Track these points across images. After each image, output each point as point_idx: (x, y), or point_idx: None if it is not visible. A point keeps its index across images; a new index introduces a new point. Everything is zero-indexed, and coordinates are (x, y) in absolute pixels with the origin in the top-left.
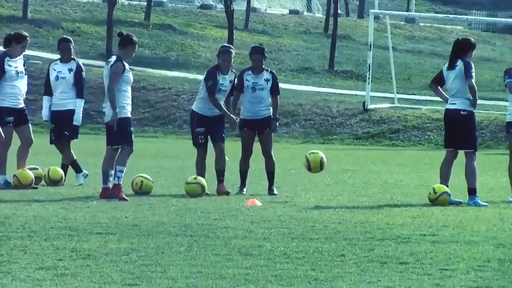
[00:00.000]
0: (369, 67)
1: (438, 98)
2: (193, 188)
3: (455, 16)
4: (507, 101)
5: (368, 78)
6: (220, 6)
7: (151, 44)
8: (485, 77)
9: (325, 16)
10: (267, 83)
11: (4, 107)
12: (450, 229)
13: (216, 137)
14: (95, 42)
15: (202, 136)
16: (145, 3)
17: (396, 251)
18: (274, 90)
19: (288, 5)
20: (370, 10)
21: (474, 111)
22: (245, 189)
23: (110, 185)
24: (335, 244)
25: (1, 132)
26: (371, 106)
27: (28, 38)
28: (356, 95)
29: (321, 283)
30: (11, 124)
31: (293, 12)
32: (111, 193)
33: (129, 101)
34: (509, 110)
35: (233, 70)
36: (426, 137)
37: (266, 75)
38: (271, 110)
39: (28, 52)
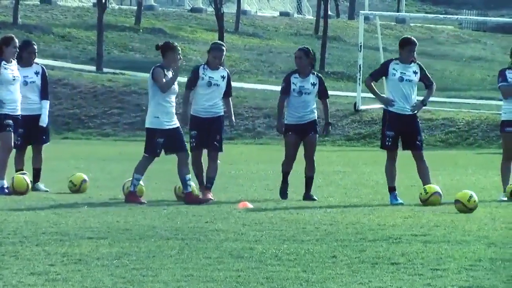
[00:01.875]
0: (360, 68)
1: (432, 98)
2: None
3: (445, 16)
4: (500, 100)
5: (359, 79)
6: (210, 9)
7: (142, 48)
8: (476, 76)
9: (315, 18)
10: (313, 87)
11: (2, 114)
12: (442, 229)
13: (211, 144)
14: (86, 47)
15: (194, 140)
16: (135, 8)
17: (388, 251)
18: (323, 94)
19: (278, 7)
20: (360, 11)
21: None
22: (313, 195)
23: (190, 189)
24: (327, 245)
25: (8, 138)
26: (362, 107)
27: (14, 37)
28: (347, 96)
29: (312, 284)
30: (10, 129)
31: (284, 14)
32: (194, 199)
33: (173, 110)
34: (504, 109)
35: (225, 68)
36: None
37: (312, 78)
38: (316, 114)
39: None
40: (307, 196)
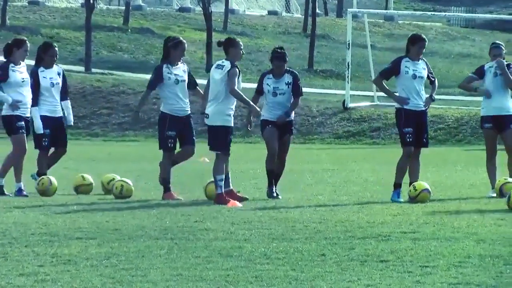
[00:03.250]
0: (348, 65)
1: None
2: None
3: (433, 13)
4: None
5: (348, 77)
6: (199, 8)
7: (130, 48)
8: (464, 73)
9: (303, 16)
10: (288, 87)
11: (13, 115)
12: (431, 226)
13: (187, 140)
14: (74, 47)
15: (172, 140)
16: (124, 8)
17: (377, 249)
18: (296, 92)
19: (266, 6)
20: (348, 9)
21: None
22: (274, 189)
23: (221, 190)
24: (316, 243)
25: (22, 141)
26: (351, 105)
27: (27, 41)
28: (336, 94)
29: (301, 283)
30: (23, 131)
31: (272, 13)
32: (222, 200)
33: (233, 107)
34: (482, 104)
35: (183, 63)
36: None
37: (287, 78)
38: (293, 114)
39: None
40: (269, 193)
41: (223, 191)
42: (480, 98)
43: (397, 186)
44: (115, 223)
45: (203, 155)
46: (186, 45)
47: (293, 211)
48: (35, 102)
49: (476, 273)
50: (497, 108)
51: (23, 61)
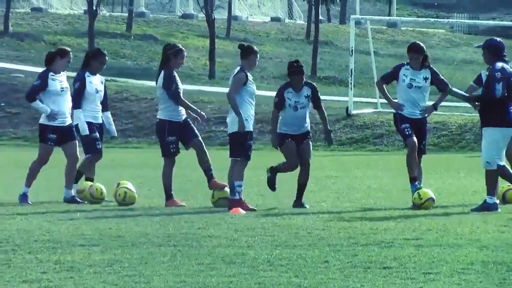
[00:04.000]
0: (351, 72)
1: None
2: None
3: (436, 19)
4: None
5: (351, 83)
6: (201, 15)
7: (133, 54)
8: (467, 79)
9: (306, 23)
10: (307, 100)
11: (49, 125)
12: (434, 232)
13: (190, 135)
14: (77, 54)
15: (174, 145)
16: (127, 14)
17: (380, 256)
18: (317, 104)
19: (269, 12)
20: (351, 16)
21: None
22: (304, 203)
23: (238, 197)
24: (319, 250)
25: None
26: (354, 112)
27: (70, 53)
28: (339, 100)
29: None
30: (51, 143)
31: (275, 19)
32: (235, 208)
33: (252, 112)
34: None
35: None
36: None
37: (306, 91)
38: (309, 123)
39: (10, 65)
40: (298, 203)
41: (241, 197)
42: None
43: (412, 179)
44: (118, 230)
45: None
46: (185, 53)
47: (296, 217)
48: (78, 105)
49: (479, 280)
50: None
51: (63, 71)
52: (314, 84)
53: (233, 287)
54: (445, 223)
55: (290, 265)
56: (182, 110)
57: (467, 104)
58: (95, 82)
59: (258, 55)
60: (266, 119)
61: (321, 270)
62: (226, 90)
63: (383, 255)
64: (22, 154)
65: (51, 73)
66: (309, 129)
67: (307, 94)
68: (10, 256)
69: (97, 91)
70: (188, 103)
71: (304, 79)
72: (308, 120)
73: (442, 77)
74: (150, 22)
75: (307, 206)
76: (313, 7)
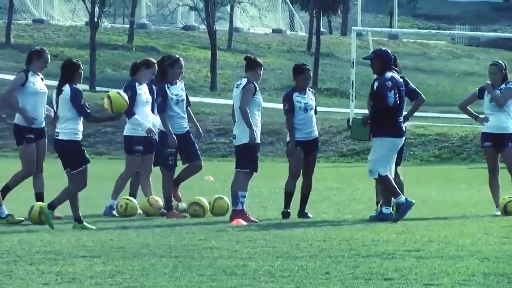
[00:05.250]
0: (353, 84)
1: (421, 114)
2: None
3: (437, 31)
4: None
5: (352, 95)
6: (203, 27)
7: None
8: (469, 91)
9: (308, 34)
10: (313, 102)
11: (134, 136)
12: (435, 244)
13: (193, 155)
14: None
15: (172, 157)
16: (128, 26)
17: (381, 267)
18: (315, 109)
19: (271, 24)
20: (353, 27)
21: None
22: (308, 213)
23: (241, 207)
24: (320, 262)
25: (134, 163)
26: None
27: (156, 64)
28: (340, 112)
29: None
30: (138, 154)
31: (276, 31)
32: (236, 220)
33: (259, 124)
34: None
35: (181, 80)
36: (411, 153)
37: (310, 94)
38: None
39: (11, 77)
40: (302, 214)
41: (244, 208)
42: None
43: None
44: (119, 241)
45: (207, 174)
46: (183, 62)
47: (297, 229)
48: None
49: None
50: (496, 126)
51: (147, 81)
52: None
53: None
54: (446, 234)
55: (292, 276)
56: (185, 123)
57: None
58: (176, 92)
59: (262, 68)
60: (267, 130)
61: (322, 282)
62: (228, 101)
63: (384, 266)
64: None
65: (137, 83)
66: (317, 135)
67: (312, 97)
68: (11, 267)
69: (178, 102)
70: (166, 125)
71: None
72: (315, 124)
73: (413, 88)
74: (152, 33)
75: (311, 216)
76: (314, 19)
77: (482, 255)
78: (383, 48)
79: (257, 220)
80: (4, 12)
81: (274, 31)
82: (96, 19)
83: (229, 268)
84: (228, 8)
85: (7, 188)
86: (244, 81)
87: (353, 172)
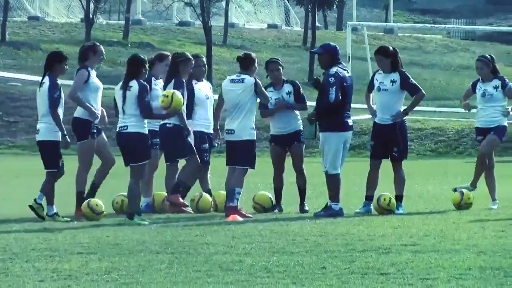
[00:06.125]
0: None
1: (418, 108)
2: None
3: (433, 25)
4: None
5: None
6: (198, 22)
7: None
8: (465, 85)
9: (303, 29)
10: (289, 96)
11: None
12: (431, 238)
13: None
14: (74, 62)
15: (208, 154)
16: (123, 22)
17: (377, 262)
18: (301, 101)
19: (266, 19)
20: (348, 22)
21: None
22: (277, 208)
23: (236, 203)
24: (316, 257)
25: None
26: (362, 118)
27: (169, 57)
28: None
29: None
30: (157, 147)
31: (272, 26)
32: (232, 215)
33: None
34: (477, 115)
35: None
36: (408, 147)
37: (287, 88)
38: (301, 122)
39: (7, 74)
40: (300, 208)
41: (238, 204)
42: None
43: (366, 198)
44: (115, 238)
45: None
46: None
47: (293, 224)
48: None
49: (477, 285)
50: (487, 121)
51: (162, 75)
52: (296, 81)
53: None
54: (442, 228)
55: (288, 271)
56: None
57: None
58: (204, 88)
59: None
60: (263, 125)
61: (319, 277)
62: None
63: (380, 261)
64: (20, 164)
65: (153, 78)
66: (299, 128)
67: (289, 91)
68: (7, 265)
69: (207, 97)
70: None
71: (285, 78)
72: (297, 118)
73: (412, 82)
74: (147, 29)
75: (307, 209)
76: (310, 14)
77: (478, 249)
78: (330, 43)
79: (251, 216)
80: (0, 10)
81: (269, 26)
82: (91, 16)
83: (225, 264)
84: (223, 3)
85: (79, 194)
86: (248, 78)
87: (349, 167)
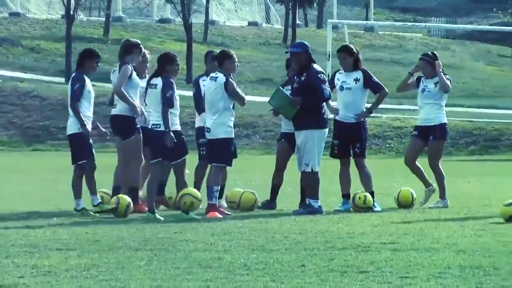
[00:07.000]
0: (329, 76)
1: (397, 106)
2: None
3: (413, 24)
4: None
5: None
6: (179, 19)
7: (110, 59)
8: None
9: (283, 27)
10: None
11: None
12: (411, 236)
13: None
14: (55, 58)
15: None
16: (104, 19)
17: (357, 260)
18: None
19: (247, 17)
20: (328, 20)
21: None
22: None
23: (215, 201)
24: (295, 254)
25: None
26: (330, 116)
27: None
28: None
29: None
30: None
31: (252, 24)
32: (212, 212)
33: (233, 118)
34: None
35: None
36: (387, 145)
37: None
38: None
39: None
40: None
41: (217, 202)
42: (461, 109)
43: (343, 196)
44: (95, 234)
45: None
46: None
47: (273, 222)
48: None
49: (456, 284)
50: (426, 119)
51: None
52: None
53: None
54: (421, 227)
55: (267, 269)
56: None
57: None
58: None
59: (234, 58)
60: (243, 122)
61: (298, 274)
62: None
63: (360, 259)
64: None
65: (203, 78)
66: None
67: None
68: None
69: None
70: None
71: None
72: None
73: (375, 80)
74: (128, 26)
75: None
76: (290, 12)
77: (457, 247)
78: (303, 41)
79: (230, 213)
80: None
81: (250, 23)
82: (72, 12)
83: (205, 261)
84: (204, 1)
85: (135, 189)
86: (221, 76)
87: (328, 164)
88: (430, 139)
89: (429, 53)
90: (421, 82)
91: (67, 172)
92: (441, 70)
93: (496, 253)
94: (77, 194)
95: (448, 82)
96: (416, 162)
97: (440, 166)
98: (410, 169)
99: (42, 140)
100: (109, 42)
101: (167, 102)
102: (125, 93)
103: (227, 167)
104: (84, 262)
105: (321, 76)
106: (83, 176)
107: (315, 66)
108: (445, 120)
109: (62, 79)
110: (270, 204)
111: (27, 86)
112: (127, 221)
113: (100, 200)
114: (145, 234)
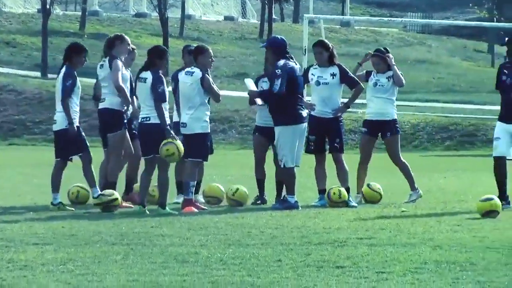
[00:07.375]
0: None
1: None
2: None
3: (389, 19)
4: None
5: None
6: (155, 14)
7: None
8: (421, 79)
9: (260, 22)
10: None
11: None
12: (387, 232)
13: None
14: (31, 53)
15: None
16: (80, 13)
17: (333, 255)
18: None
19: (223, 11)
20: (305, 15)
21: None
22: (261, 199)
23: (191, 196)
24: (272, 249)
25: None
26: (306, 111)
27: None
28: None
29: None
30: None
31: (228, 18)
32: (188, 207)
33: (209, 113)
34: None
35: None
36: None
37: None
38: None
39: None
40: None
41: (193, 197)
42: (437, 104)
43: (319, 192)
44: (71, 229)
45: None
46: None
47: (249, 216)
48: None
49: (433, 279)
50: (377, 113)
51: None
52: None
53: (186, 286)
54: (398, 222)
55: (243, 264)
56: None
57: (420, 104)
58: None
59: (209, 53)
60: (219, 117)
61: (274, 269)
62: None
63: (336, 254)
64: None
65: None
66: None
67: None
68: None
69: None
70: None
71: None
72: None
73: (351, 75)
74: (104, 21)
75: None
76: (266, 6)
77: (434, 243)
78: (277, 36)
79: (206, 208)
80: None
81: (226, 18)
82: (48, 6)
83: (181, 256)
84: None
85: (113, 184)
86: (197, 72)
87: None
88: (388, 136)
89: (381, 48)
90: (372, 76)
91: (44, 166)
92: (394, 63)
93: (472, 249)
94: (55, 188)
95: (402, 77)
96: (403, 159)
97: (402, 158)
98: (399, 167)
99: (18, 134)
100: (85, 36)
101: (159, 98)
102: (125, 88)
103: (204, 162)
104: (60, 256)
105: (278, 71)
106: (63, 170)
107: (281, 61)
108: (396, 116)
109: (38, 73)
110: (261, 199)
111: (3, 80)
112: (104, 216)
113: (100, 192)
114: (122, 229)
